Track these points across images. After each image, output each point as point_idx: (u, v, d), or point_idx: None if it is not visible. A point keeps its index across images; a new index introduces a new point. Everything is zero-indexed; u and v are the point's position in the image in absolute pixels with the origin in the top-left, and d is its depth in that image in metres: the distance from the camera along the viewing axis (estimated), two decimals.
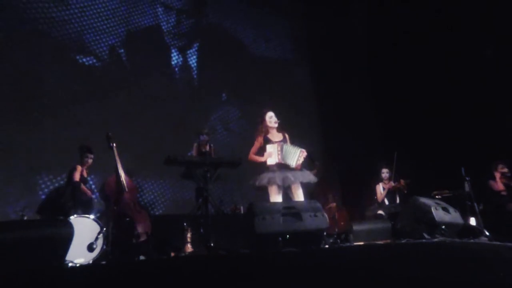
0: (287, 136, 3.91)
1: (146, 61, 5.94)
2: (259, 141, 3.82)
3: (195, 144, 4.83)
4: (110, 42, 5.71)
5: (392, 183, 5.39)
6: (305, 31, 7.82)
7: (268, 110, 3.90)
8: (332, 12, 7.55)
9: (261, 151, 3.80)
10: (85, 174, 4.35)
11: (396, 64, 6.64)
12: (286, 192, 3.74)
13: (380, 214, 5.21)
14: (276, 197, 3.66)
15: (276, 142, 3.76)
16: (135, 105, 5.59)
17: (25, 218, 4.08)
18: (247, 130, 6.33)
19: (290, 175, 3.62)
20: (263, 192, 3.74)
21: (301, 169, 3.74)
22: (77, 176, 4.23)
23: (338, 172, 6.91)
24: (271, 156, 3.66)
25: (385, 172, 5.54)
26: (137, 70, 5.81)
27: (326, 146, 7.10)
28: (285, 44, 7.60)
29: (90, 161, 4.37)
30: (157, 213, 5.37)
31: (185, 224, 3.98)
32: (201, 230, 3.57)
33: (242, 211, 5.03)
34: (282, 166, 3.66)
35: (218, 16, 6.88)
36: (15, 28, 4.93)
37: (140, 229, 3.97)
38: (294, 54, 7.70)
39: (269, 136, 3.84)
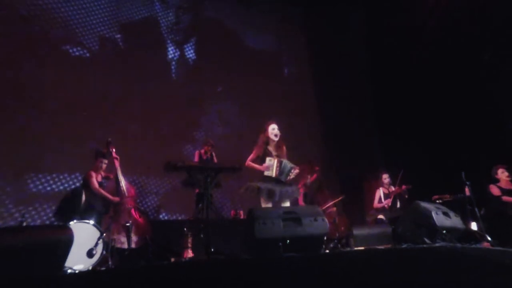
0: (284, 149, 4.00)
1: (142, 55, 5.95)
2: (258, 150, 3.91)
3: (197, 152, 4.88)
4: (106, 36, 5.73)
5: (393, 188, 5.40)
6: (304, 29, 7.84)
7: (272, 122, 4.00)
8: (331, 12, 7.58)
9: (258, 159, 3.89)
10: (99, 179, 4.36)
11: (396, 67, 6.67)
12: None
13: (381, 219, 5.20)
14: (266, 205, 3.75)
15: (275, 155, 3.85)
16: (132, 101, 5.58)
17: (24, 224, 4.07)
18: (243, 123, 6.41)
19: (277, 191, 3.71)
20: (257, 199, 3.82)
21: (290, 184, 3.85)
22: (95, 183, 4.23)
23: (339, 176, 6.91)
24: (269, 169, 3.77)
25: (385, 178, 5.55)
26: (134, 63, 5.80)
27: (326, 150, 7.10)
28: (283, 41, 7.61)
29: (104, 166, 4.41)
30: (157, 218, 5.36)
31: (185, 229, 3.97)
32: (201, 235, 3.56)
33: (242, 216, 5.02)
34: (276, 180, 3.78)
35: (216, 12, 6.92)
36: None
37: (139, 234, 3.96)
38: (292, 51, 7.70)
39: (269, 147, 3.94)
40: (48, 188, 4.76)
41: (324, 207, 5.43)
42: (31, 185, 4.68)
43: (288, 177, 3.77)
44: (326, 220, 3.28)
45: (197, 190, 4.49)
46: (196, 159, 4.81)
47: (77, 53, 5.45)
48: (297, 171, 3.79)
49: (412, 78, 6.41)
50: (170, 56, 6.34)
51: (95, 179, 4.24)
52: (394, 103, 6.68)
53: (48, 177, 4.80)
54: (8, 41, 4.86)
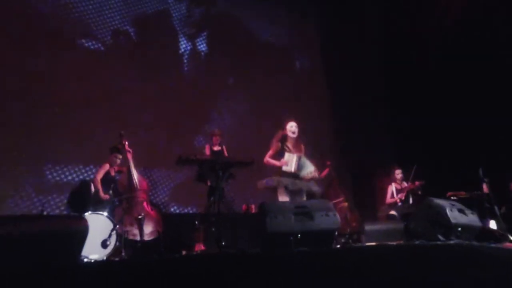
0: (302, 147, 4.06)
1: (155, 48, 5.96)
2: (276, 146, 3.98)
3: (207, 145, 4.91)
4: (120, 29, 5.74)
5: (405, 184, 5.33)
6: (317, 22, 7.71)
7: (291, 120, 4.08)
8: (345, 6, 7.45)
9: (276, 156, 3.96)
10: (112, 173, 4.44)
11: (411, 61, 6.52)
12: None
13: (393, 215, 5.14)
14: (284, 199, 3.77)
15: (294, 152, 3.91)
16: (145, 94, 5.61)
17: (45, 213, 4.19)
18: (255, 115, 6.40)
19: (298, 181, 3.83)
20: (270, 193, 3.86)
21: (308, 181, 3.93)
22: (100, 174, 4.32)
23: (350, 171, 6.84)
24: (288, 164, 3.84)
25: (398, 173, 5.47)
26: (147, 56, 5.81)
27: (338, 144, 7.03)
28: (296, 34, 7.50)
29: (118, 161, 4.48)
30: (169, 211, 5.42)
31: (196, 222, 4.02)
32: (213, 229, 3.59)
33: (253, 210, 5.04)
34: (294, 175, 3.86)
35: (228, 5, 6.87)
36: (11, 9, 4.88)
37: (151, 227, 4.02)
38: (305, 45, 7.59)
39: (288, 144, 3.99)
40: (65, 180, 4.86)
41: (335, 202, 5.40)
42: (49, 176, 4.79)
43: (307, 176, 3.86)
44: (338, 215, 3.26)
45: (208, 183, 4.52)
46: (207, 152, 4.83)
47: (92, 47, 5.51)
48: (315, 174, 3.89)
49: (427, 72, 6.25)
50: (182, 50, 6.34)
51: (103, 172, 4.34)
52: (408, 97, 6.54)
53: (64, 169, 4.90)
54: (25, 35, 4.94)
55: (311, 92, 7.18)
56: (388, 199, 5.42)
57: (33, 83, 4.83)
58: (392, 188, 5.45)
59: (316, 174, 3.89)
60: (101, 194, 4.21)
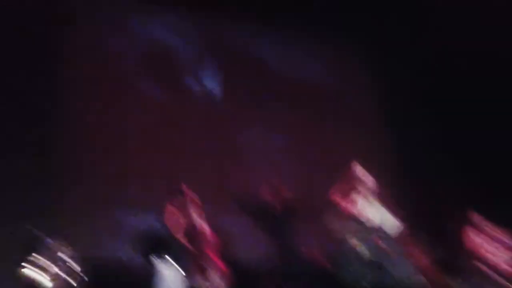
0: (379, 195, 3.90)
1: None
2: (348, 187, 3.85)
3: (264, 189, 4.83)
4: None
5: (492, 231, 4.70)
6: (363, 58, 7.26)
7: (358, 163, 3.97)
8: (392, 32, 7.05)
9: (346, 199, 3.77)
10: (179, 219, 4.27)
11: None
12: None
13: (479, 268, 4.50)
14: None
15: (370, 198, 3.74)
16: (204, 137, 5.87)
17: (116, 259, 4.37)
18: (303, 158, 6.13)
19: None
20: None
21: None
22: (166, 219, 4.24)
23: (423, 218, 6.23)
24: (366, 214, 3.66)
25: (479, 218, 4.88)
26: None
27: (402, 184, 6.49)
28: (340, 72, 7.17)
29: (184, 207, 4.26)
30: (235, 262, 5.27)
31: (266, 279, 3.88)
32: (281, 281, 3.45)
33: (321, 261, 4.74)
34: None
35: (266, 46, 6.81)
36: None
37: (219, 280, 3.96)
38: (351, 80, 7.19)
39: (361, 187, 3.84)
40: (135, 224, 5.00)
41: (412, 254, 4.89)
42: (121, 221, 5.00)
43: (391, 230, 3.61)
44: (417, 269, 2.98)
45: (271, 232, 4.44)
46: (268, 197, 4.76)
47: (153, 91, 5.94)
48: (400, 228, 3.63)
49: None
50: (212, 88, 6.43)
51: (168, 215, 4.28)
52: (478, 125, 5.91)
53: (135, 213, 5.07)
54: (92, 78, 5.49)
55: (365, 131, 6.81)
56: (473, 249, 4.77)
57: (102, 127, 5.30)
58: (476, 236, 4.82)
59: (401, 228, 3.59)
60: (181, 239, 4.13)
